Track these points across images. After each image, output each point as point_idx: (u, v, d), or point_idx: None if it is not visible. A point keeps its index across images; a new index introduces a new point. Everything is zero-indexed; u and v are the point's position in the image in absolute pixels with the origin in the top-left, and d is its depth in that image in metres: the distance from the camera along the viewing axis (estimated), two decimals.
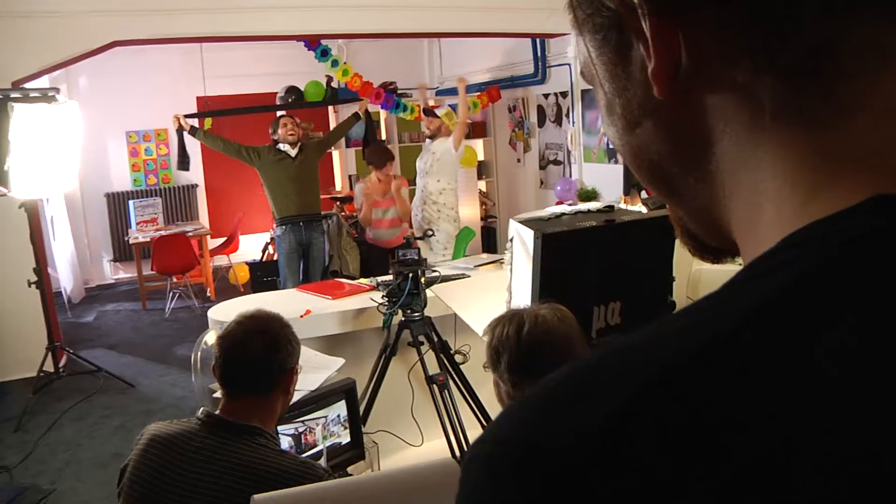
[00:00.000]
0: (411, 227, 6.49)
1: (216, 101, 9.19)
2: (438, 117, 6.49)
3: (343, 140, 8.58)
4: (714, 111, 0.42)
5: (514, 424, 0.38)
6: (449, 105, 8.45)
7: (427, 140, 6.64)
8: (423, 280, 3.59)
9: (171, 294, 7.97)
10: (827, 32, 0.38)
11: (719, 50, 0.40)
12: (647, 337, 0.38)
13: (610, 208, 2.98)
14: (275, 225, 6.30)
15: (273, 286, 7.06)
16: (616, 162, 7.13)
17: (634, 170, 0.50)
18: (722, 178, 0.43)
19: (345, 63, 7.41)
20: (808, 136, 0.40)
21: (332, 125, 8.94)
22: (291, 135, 6.11)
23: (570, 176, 7.92)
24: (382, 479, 1.12)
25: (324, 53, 7.05)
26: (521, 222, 2.69)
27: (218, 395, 2.88)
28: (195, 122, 6.60)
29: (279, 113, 6.84)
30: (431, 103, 7.52)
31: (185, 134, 6.42)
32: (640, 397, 0.34)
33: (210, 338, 3.24)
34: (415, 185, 6.76)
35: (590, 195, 7.28)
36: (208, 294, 8.36)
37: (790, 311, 0.35)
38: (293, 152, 6.09)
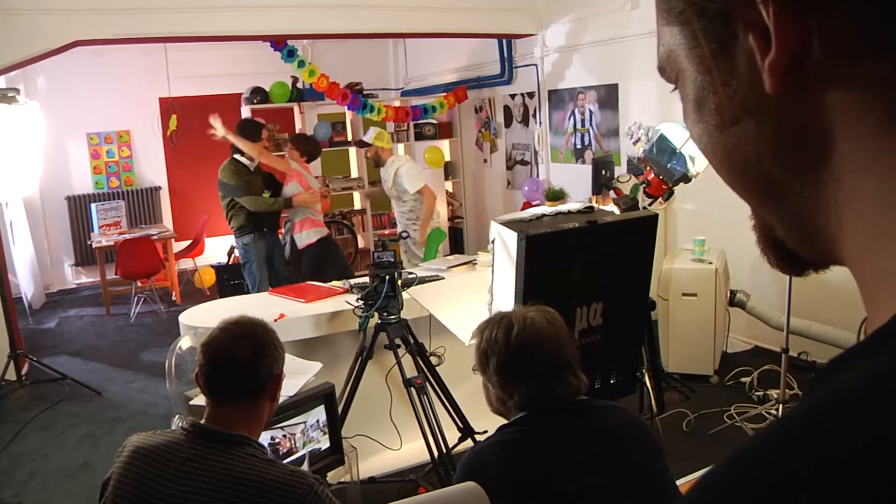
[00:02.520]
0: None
1: (180, 102, 9.07)
2: (371, 144, 6.35)
3: None
4: (836, 110, 0.38)
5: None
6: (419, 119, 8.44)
7: (381, 169, 6.52)
8: (399, 282, 3.56)
9: (135, 298, 7.83)
10: None
11: (855, 41, 0.36)
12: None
13: (590, 209, 2.98)
14: (237, 234, 6.17)
15: (240, 289, 6.98)
16: (583, 162, 7.17)
17: (724, 170, 0.46)
18: (836, 185, 0.40)
19: (310, 64, 7.35)
20: None
21: (298, 127, 8.86)
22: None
23: (538, 176, 7.95)
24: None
25: (290, 54, 6.99)
26: (502, 224, 2.69)
27: (194, 402, 2.84)
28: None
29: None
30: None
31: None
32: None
33: (184, 343, 3.18)
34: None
35: (557, 195, 7.32)
36: (174, 298, 8.23)
37: None
38: (251, 165, 6.00)
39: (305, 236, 5.95)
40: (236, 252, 8.36)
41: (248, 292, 6.62)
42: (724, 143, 0.44)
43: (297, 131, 8.40)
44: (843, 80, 0.37)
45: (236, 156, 5.96)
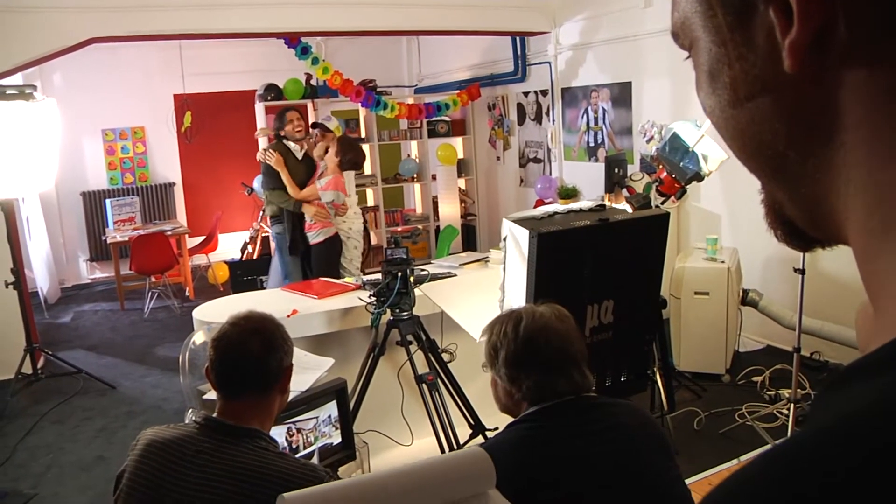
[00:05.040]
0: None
1: (194, 99, 9.12)
2: (331, 131, 6.28)
3: None
4: (856, 93, 0.37)
5: None
6: (428, 102, 8.45)
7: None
8: (411, 279, 3.58)
9: (149, 294, 7.89)
10: None
11: (880, 21, 0.35)
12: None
13: (602, 207, 2.99)
14: (271, 223, 6.13)
15: (253, 285, 7.01)
16: (596, 160, 7.16)
17: (736, 146, 0.45)
18: (850, 169, 0.38)
19: (324, 61, 7.38)
20: None
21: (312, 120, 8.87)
22: (298, 131, 5.92)
23: (550, 174, 7.94)
24: (413, 472, 1.10)
25: (304, 51, 7.02)
26: (514, 221, 2.69)
27: (207, 396, 2.86)
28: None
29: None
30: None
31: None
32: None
33: (198, 338, 3.21)
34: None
35: (570, 193, 7.32)
36: (187, 294, 8.28)
37: None
38: (299, 153, 5.92)
39: (313, 235, 5.96)
40: (248, 248, 8.44)
41: (262, 288, 6.66)
42: (738, 119, 0.43)
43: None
44: (866, 62, 0.36)
45: (285, 140, 5.87)
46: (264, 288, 6.55)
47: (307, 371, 2.93)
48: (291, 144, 5.91)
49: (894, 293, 0.37)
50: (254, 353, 1.86)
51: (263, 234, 8.21)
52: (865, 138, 0.37)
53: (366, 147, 9.27)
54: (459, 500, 1.02)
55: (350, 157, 5.86)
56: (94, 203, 9.13)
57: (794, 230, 0.46)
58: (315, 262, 5.86)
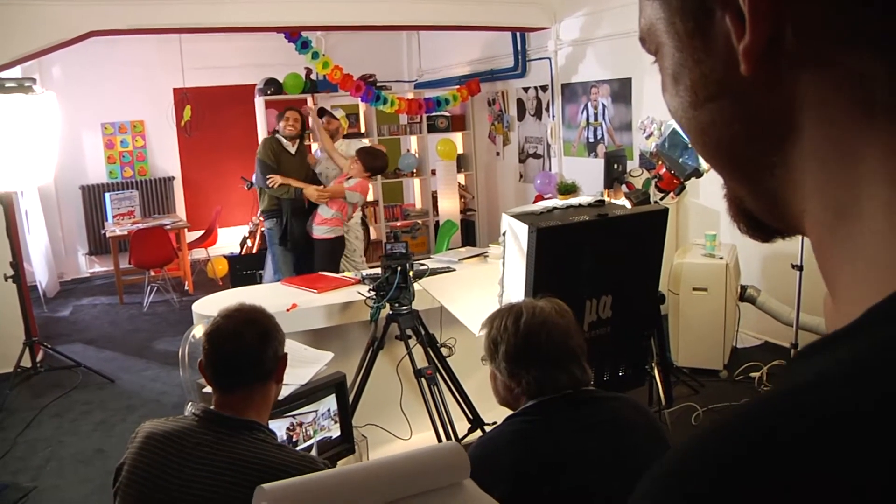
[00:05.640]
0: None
1: (194, 93, 9.12)
2: (336, 118, 6.47)
3: None
4: (806, 96, 0.39)
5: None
6: (427, 98, 8.45)
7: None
8: (410, 274, 3.58)
9: (148, 288, 7.89)
10: None
11: (831, 30, 0.37)
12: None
13: (601, 203, 2.99)
14: (264, 217, 6.21)
15: (252, 280, 7.02)
16: (595, 156, 7.17)
17: (698, 145, 0.47)
18: (804, 165, 0.41)
19: (324, 55, 7.37)
20: None
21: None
22: (291, 128, 6.09)
23: (550, 169, 7.95)
24: (391, 463, 1.14)
25: (304, 45, 7.01)
26: (513, 216, 2.70)
27: (207, 389, 2.87)
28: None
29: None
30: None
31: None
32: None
33: (198, 332, 3.21)
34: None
35: (569, 189, 7.32)
36: (186, 288, 8.28)
37: None
38: (292, 149, 6.08)
39: (323, 230, 5.96)
40: (248, 242, 8.44)
41: (260, 282, 6.67)
42: (699, 120, 0.45)
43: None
44: (815, 68, 0.38)
45: (278, 135, 6.05)
46: (262, 282, 6.57)
47: (307, 365, 2.93)
48: (284, 140, 6.06)
49: (846, 282, 0.40)
50: (250, 344, 1.87)
51: (262, 229, 8.21)
52: (817, 137, 0.40)
53: (365, 142, 9.31)
54: (435, 490, 1.06)
55: (378, 164, 6.00)
56: (93, 197, 9.13)
57: (755, 222, 0.49)
58: (318, 257, 5.89)
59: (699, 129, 0.46)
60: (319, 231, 5.93)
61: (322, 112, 6.63)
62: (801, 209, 0.42)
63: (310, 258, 5.98)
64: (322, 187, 6.03)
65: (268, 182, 5.91)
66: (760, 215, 0.48)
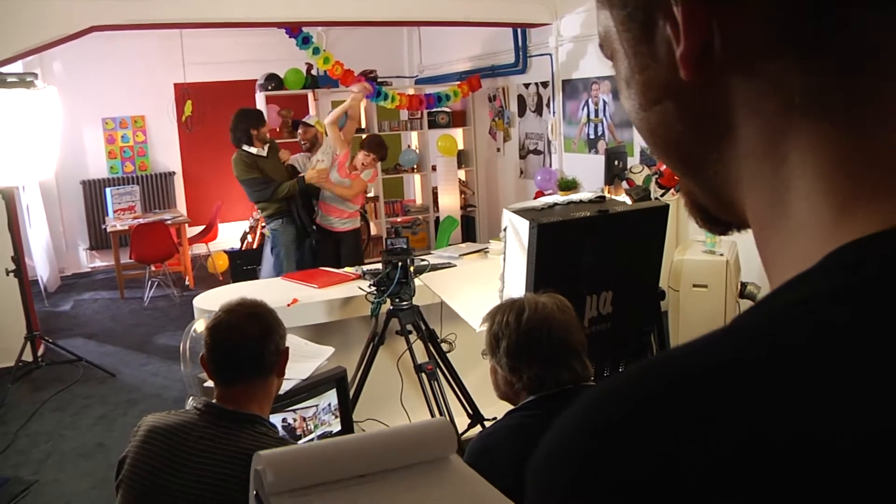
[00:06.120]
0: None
1: (195, 88, 9.11)
2: (311, 125, 6.47)
3: None
4: (738, 99, 0.42)
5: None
6: (428, 94, 8.46)
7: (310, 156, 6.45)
8: (411, 269, 3.59)
9: (149, 283, 7.90)
10: (876, 31, 0.37)
11: (754, 38, 0.40)
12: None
13: (601, 198, 3.00)
14: (267, 221, 6.12)
15: (253, 275, 7.02)
16: (596, 152, 7.17)
17: (651, 144, 0.51)
18: (741, 162, 0.44)
19: (325, 51, 7.37)
20: (845, 139, 0.39)
21: (312, 111, 8.89)
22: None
23: (550, 166, 7.95)
24: (382, 435, 1.20)
25: (305, 41, 7.01)
26: (514, 212, 2.70)
27: (208, 384, 2.88)
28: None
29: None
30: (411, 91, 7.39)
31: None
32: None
33: (199, 326, 3.22)
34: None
35: (570, 185, 7.32)
36: (187, 283, 8.29)
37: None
38: (263, 151, 5.90)
39: (343, 223, 6.00)
40: (248, 237, 8.44)
41: (259, 278, 6.66)
42: (649, 121, 0.48)
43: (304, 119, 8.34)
44: (743, 73, 0.42)
45: (244, 147, 5.81)
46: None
47: (307, 359, 2.94)
48: (251, 149, 5.81)
49: (779, 276, 0.42)
50: (252, 337, 1.88)
51: (263, 225, 8.21)
52: (749, 136, 0.43)
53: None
54: (422, 462, 1.13)
55: (385, 148, 6.09)
56: (94, 192, 9.13)
57: (709, 216, 0.52)
58: (346, 248, 6.00)
59: (649, 130, 0.49)
60: (344, 224, 6.00)
61: (296, 124, 6.66)
62: (743, 203, 0.46)
63: (329, 252, 5.98)
64: (347, 186, 5.97)
65: (305, 180, 5.88)
66: (711, 209, 0.51)
